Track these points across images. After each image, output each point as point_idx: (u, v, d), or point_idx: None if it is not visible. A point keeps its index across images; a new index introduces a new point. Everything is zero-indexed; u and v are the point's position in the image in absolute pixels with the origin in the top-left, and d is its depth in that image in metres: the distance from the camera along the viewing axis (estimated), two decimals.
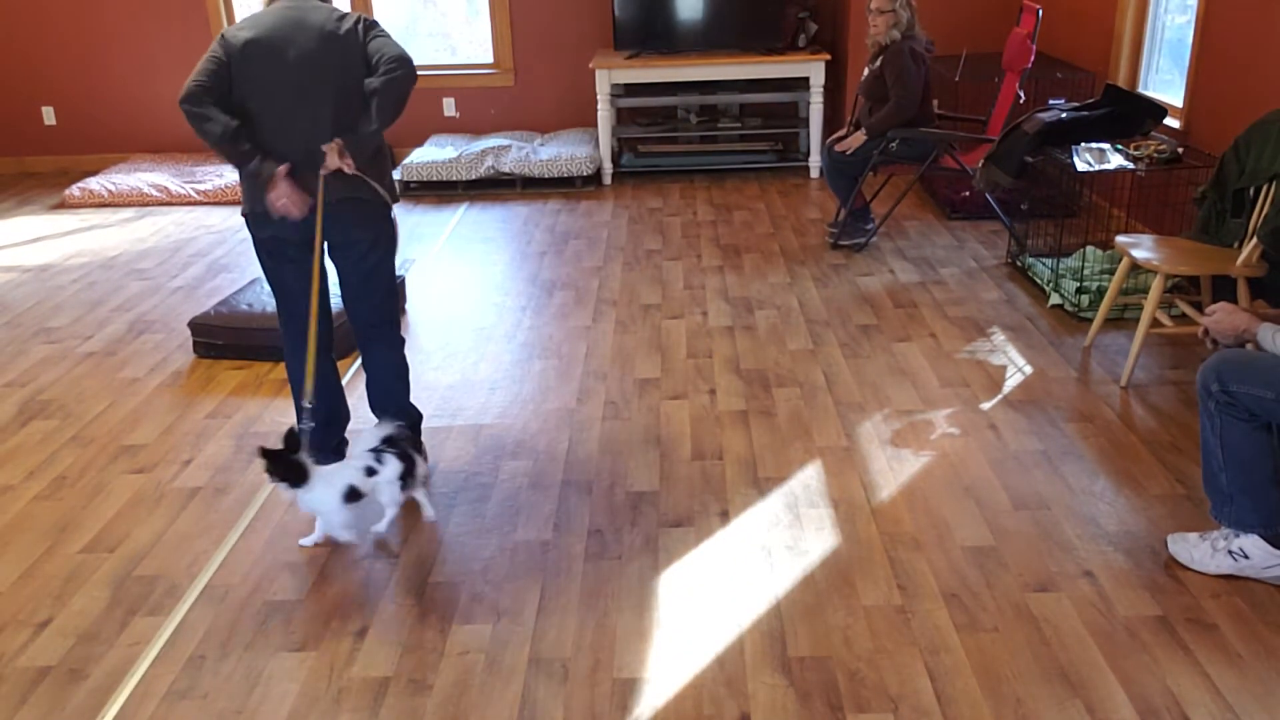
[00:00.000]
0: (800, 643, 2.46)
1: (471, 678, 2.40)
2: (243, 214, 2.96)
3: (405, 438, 2.95)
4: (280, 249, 2.97)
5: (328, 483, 2.81)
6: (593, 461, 3.31)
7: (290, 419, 3.61)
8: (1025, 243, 4.91)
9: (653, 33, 6.50)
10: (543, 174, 6.38)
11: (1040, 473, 3.14)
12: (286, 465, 2.76)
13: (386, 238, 3.06)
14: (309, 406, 2.95)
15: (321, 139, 2.83)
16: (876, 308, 4.44)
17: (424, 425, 3.44)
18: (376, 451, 2.86)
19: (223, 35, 2.84)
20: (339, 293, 3.16)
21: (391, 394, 3.21)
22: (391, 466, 2.86)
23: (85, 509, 3.15)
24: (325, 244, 2.98)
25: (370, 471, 2.84)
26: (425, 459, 2.94)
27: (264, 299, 4.28)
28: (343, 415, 3.28)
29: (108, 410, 3.77)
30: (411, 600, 2.68)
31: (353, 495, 2.83)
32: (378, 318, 3.14)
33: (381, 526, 2.93)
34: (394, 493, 2.89)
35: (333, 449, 3.18)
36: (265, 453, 2.77)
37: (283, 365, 3.97)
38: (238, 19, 7.02)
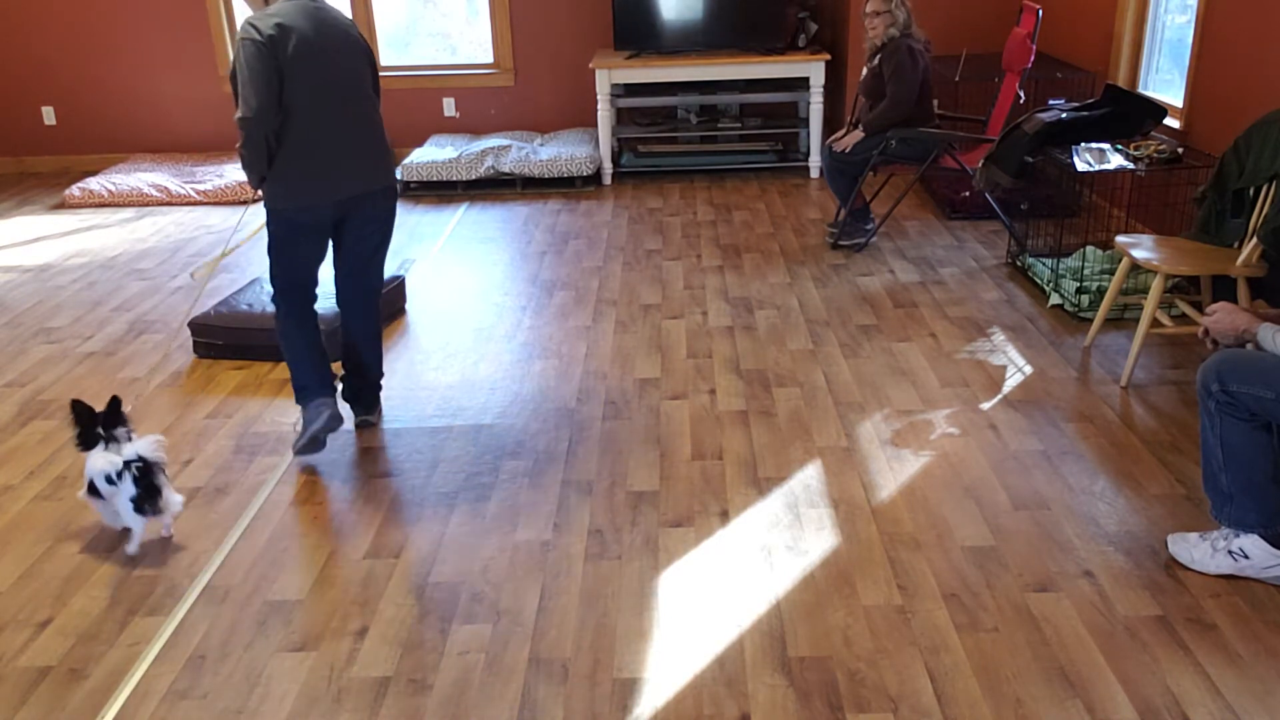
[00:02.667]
0: (800, 643, 2.46)
1: (471, 678, 2.40)
2: (278, 206, 3.13)
3: (160, 467, 2.84)
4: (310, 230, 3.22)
5: (90, 464, 2.84)
6: (593, 461, 3.31)
7: (286, 418, 3.63)
8: (1025, 243, 4.91)
9: (653, 33, 6.50)
10: (543, 174, 6.38)
11: (1040, 473, 3.14)
12: (86, 427, 2.86)
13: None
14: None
15: (356, 134, 3.17)
16: (876, 308, 4.44)
17: (424, 425, 3.51)
18: (126, 465, 2.78)
19: (257, 29, 2.93)
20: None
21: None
22: (126, 487, 2.77)
23: (85, 509, 3.14)
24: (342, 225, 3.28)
25: (109, 480, 2.79)
26: (172, 493, 2.91)
27: (264, 299, 4.28)
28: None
29: None
30: (411, 600, 2.68)
31: (93, 490, 2.84)
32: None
33: (129, 548, 2.86)
34: (129, 513, 2.79)
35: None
36: (79, 408, 2.87)
37: (281, 365, 4.00)
38: (237, 19, 7.03)
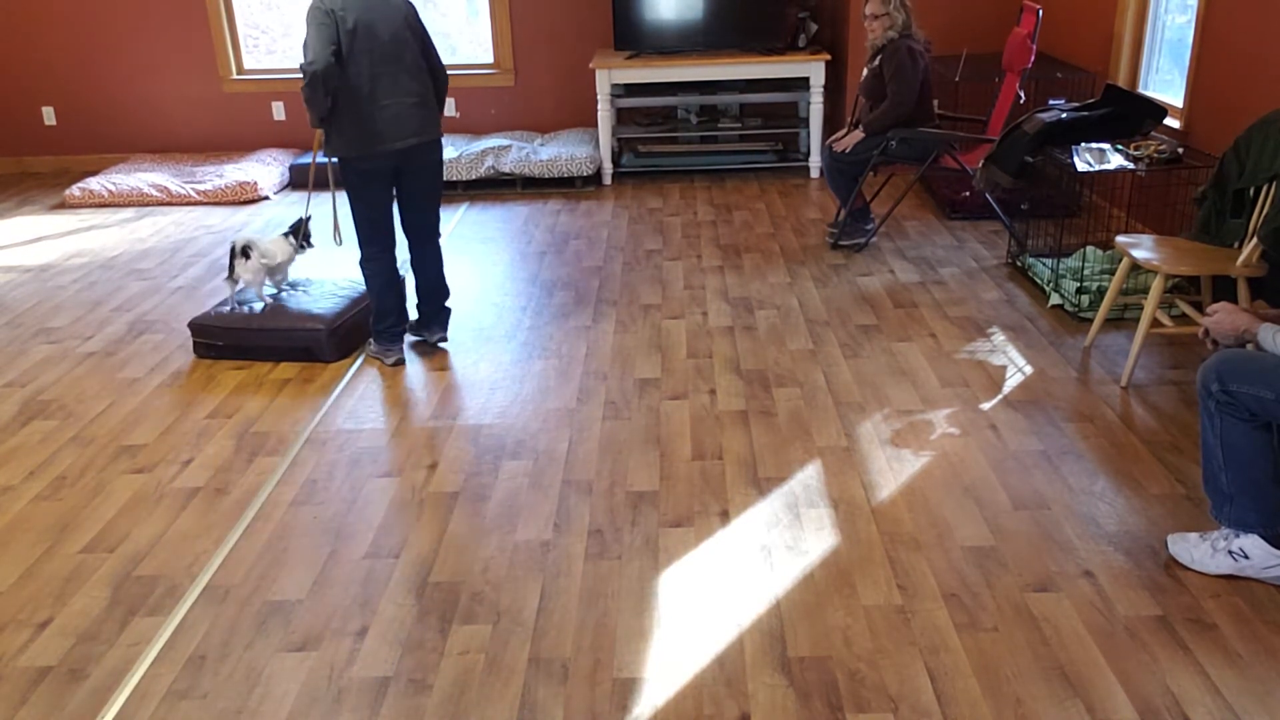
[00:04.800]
0: (800, 643, 2.46)
1: (471, 678, 2.40)
2: (344, 156, 3.77)
3: (244, 251, 4.16)
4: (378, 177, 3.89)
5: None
6: (593, 461, 3.31)
7: (287, 417, 3.63)
8: (1025, 243, 4.91)
9: (653, 33, 6.50)
10: (543, 174, 6.38)
11: (1040, 473, 3.14)
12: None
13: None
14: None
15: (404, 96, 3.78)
16: (876, 308, 4.44)
17: (425, 425, 3.53)
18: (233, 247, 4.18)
19: (323, 4, 3.59)
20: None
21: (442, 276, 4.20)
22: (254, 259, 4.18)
23: (85, 509, 3.15)
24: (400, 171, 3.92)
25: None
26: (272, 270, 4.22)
27: (264, 300, 4.27)
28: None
29: (108, 410, 3.77)
30: (411, 600, 2.68)
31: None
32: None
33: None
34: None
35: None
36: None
37: (281, 365, 4.04)
38: (238, 19, 7.03)
